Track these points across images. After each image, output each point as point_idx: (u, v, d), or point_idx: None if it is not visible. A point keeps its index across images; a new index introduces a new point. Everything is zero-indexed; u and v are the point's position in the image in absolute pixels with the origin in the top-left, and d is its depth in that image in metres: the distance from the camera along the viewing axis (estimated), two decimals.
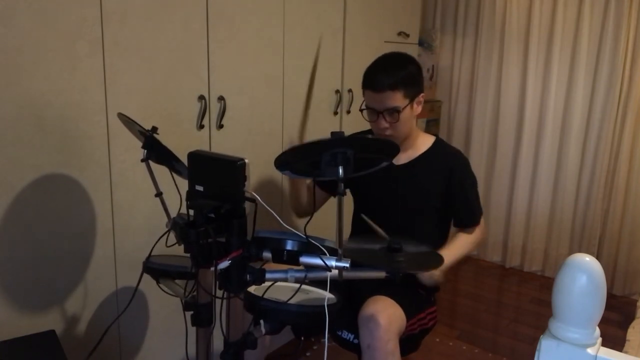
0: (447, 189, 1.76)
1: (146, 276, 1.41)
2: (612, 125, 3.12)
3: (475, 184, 1.83)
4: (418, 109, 1.72)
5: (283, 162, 1.17)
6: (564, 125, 3.30)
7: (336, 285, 1.27)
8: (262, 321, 1.28)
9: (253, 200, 1.15)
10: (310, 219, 1.25)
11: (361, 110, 1.73)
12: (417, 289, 1.75)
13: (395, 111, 1.65)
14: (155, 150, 1.33)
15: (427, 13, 3.70)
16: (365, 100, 1.70)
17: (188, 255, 1.16)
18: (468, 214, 1.81)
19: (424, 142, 1.80)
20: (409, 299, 1.64)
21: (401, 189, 1.77)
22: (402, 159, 1.78)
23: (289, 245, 1.20)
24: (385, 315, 1.50)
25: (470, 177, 1.81)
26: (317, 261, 1.18)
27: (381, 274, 1.35)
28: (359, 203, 1.91)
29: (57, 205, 1.50)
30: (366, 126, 1.80)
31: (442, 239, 1.84)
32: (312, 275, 1.24)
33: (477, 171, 3.59)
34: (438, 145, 1.82)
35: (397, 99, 1.64)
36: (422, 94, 1.72)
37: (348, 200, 1.82)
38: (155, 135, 1.31)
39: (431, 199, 1.77)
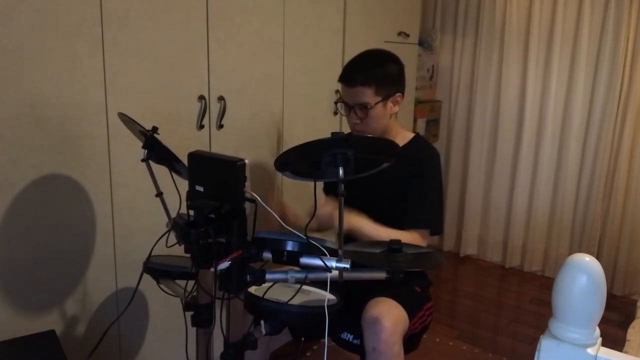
0: (409, 177, 1.71)
1: (146, 276, 1.42)
2: (612, 125, 3.12)
3: (438, 189, 1.73)
4: (394, 108, 1.72)
5: (283, 162, 1.17)
6: (564, 125, 3.30)
7: (336, 285, 1.27)
8: (262, 322, 1.28)
9: (253, 200, 1.15)
10: (311, 219, 1.25)
11: (335, 103, 1.75)
12: (414, 287, 1.76)
13: (365, 107, 1.66)
14: (155, 150, 1.33)
15: (427, 13, 3.70)
16: (340, 93, 1.73)
17: (188, 255, 1.16)
18: (416, 213, 1.68)
19: (403, 139, 1.78)
20: (409, 299, 1.64)
21: (377, 186, 1.73)
22: None
23: (289, 246, 1.20)
24: (390, 318, 1.50)
25: (435, 178, 1.72)
26: (317, 262, 1.18)
27: (381, 275, 1.34)
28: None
29: (57, 206, 1.50)
30: None
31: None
32: (312, 276, 1.23)
33: (477, 171, 3.65)
34: (415, 141, 1.79)
35: (368, 95, 1.65)
36: (399, 94, 1.72)
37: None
38: (155, 135, 1.31)
39: (403, 196, 1.72)
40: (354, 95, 1.67)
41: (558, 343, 0.85)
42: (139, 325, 1.82)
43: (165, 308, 1.87)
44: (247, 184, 1.14)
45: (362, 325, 1.52)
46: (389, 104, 1.70)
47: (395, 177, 1.71)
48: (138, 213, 1.71)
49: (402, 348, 1.51)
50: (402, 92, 1.73)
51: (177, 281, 1.44)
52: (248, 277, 1.18)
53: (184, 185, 1.27)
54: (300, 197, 2.32)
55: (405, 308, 1.58)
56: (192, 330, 1.34)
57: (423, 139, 1.85)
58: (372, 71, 1.66)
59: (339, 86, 1.76)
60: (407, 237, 1.63)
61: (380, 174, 1.70)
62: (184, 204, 1.21)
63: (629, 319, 2.41)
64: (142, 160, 1.33)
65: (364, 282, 1.38)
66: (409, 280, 1.71)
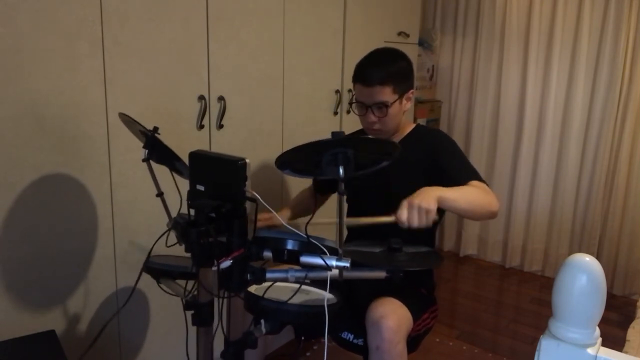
0: (430, 164, 1.70)
1: (147, 276, 1.42)
2: (612, 125, 3.12)
3: (460, 151, 1.74)
4: (407, 104, 1.73)
5: (284, 162, 1.17)
6: (564, 125, 3.30)
7: (337, 285, 1.27)
8: (262, 321, 1.28)
9: (254, 199, 1.15)
10: (310, 218, 1.25)
11: (350, 104, 1.73)
12: (419, 288, 1.75)
13: (384, 106, 1.65)
14: (156, 150, 1.33)
15: (427, 13, 3.70)
16: (355, 94, 1.71)
17: (188, 255, 1.16)
18: (459, 171, 1.65)
19: (406, 130, 1.81)
20: (413, 300, 1.64)
21: (385, 177, 1.74)
22: None
23: (290, 245, 1.20)
24: (395, 317, 1.49)
25: (452, 145, 1.75)
26: (317, 261, 1.19)
27: (381, 274, 1.35)
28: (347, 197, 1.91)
29: (57, 205, 1.50)
30: None
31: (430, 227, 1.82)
32: (312, 275, 1.24)
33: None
34: (417, 129, 1.82)
35: (386, 93, 1.64)
36: (411, 90, 1.73)
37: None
38: (156, 135, 1.31)
39: (415, 181, 1.68)
40: (372, 94, 1.65)
41: (558, 343, 0.85)
42: (139, 325, 1.82)
43: (165, 308, 1.87)
44: (248, 183, 1.14)
45: (366, 324, 1.52)
46: (404, 101, 1.71)
47: (407, 161, 1.69)
48: (138, 213, 1.71)
49: (405, 348, 1.51)
50: (413, 88, 1.74)
51: (177, 281, 1.44)
52: (248, 276, 1.19)
53: (184, 185, 1.27)
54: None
55: (409, 309, 1.58)
56: (193, 330, 1.34)
57: (423, 126, 1.90)
58: (388, 69, 1.65)
59: (339, 86, 1.76)
60: (479, 188, 1.59)
61: (397, 167, 1.69)
62: (185, 203, 1.21)
63: (629, 319, 2.41)
64: (143, 160, 1.33)
65: (368, 282, 1.37)
66: (415, 281, 1.71)
